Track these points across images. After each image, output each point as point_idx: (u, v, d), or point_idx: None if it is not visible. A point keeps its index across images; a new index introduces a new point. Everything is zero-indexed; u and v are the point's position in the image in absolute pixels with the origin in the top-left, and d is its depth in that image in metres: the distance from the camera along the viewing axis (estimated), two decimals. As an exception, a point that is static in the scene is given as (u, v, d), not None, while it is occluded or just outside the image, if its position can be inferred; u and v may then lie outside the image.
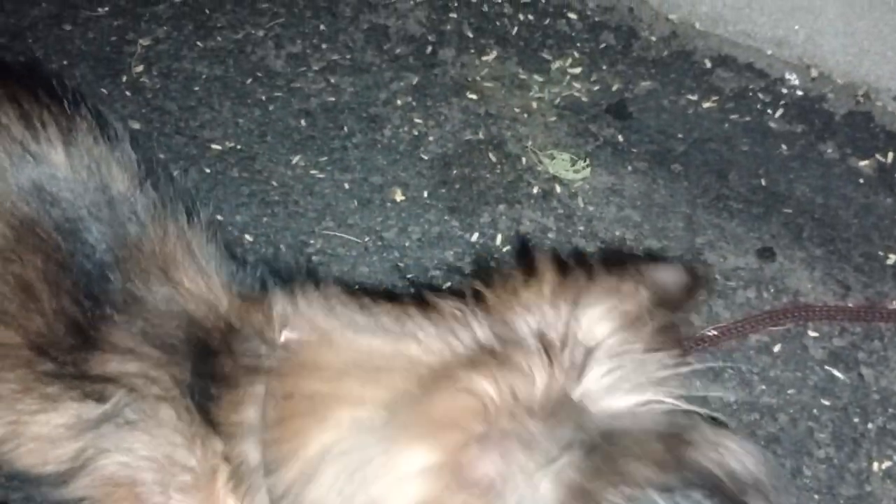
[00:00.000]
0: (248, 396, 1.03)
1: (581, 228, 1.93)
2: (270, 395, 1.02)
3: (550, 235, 1.91)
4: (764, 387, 1.71)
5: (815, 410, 1.68)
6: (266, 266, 1.26)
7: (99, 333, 1.09)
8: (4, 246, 1.10)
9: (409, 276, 1.83)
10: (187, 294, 1.11)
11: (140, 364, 1.08)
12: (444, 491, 0.84)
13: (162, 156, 1.98)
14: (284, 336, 1.06)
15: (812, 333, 1.79)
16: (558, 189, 2.00)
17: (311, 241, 1.88)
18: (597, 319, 0.95)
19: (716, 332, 1.77)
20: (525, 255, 1.20)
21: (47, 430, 1.11)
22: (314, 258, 1.84)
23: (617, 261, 1.04)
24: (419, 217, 1.94)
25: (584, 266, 1.00)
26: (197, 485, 1.07)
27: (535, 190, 2.00)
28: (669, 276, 1.03)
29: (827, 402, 1.69)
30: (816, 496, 1.57)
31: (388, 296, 1.07)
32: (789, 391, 1.71)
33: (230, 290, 1.15)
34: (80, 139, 1.17)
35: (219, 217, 1.85)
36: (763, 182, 2.05)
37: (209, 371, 1.06)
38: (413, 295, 1.10)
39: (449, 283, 1.82)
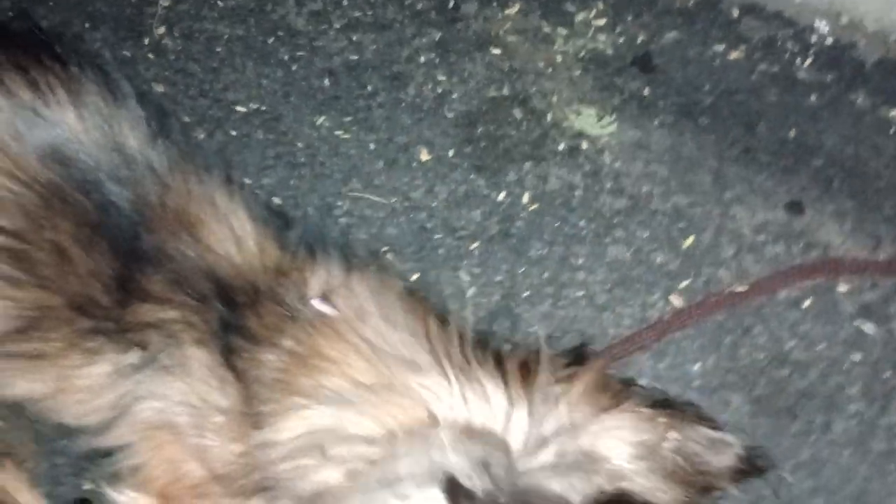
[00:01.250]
0: (266, 352, 1.06)
1: (608, 185, 1.92)
2: (289, 353, 1.04)
3: (577, 193, 1.91)
4: (793, 342, 1.71)
5: (845, 365, 1.68)
6: (302, 228, 1.27)
7: (134, 287, 1.11)
8: (35, 213, 1.11)
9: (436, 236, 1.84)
10: (214, 252, 1.13)
11: (175, 311, 1.11)
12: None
13: (187, 119, 1.98)
14: (321, 302, 1.07)
15: (842, 288, 1.78)
16: (585, 145, 1.99)
17: (339, 203, 1.88)
18: (610, 437, 0.97)
19: (745, 288, 1.77)
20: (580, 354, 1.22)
21: (90, 382, 1.15)
22: (341, 220, 1.85)
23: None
24: (445, 177, 1.93)
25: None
26: (230, 425, 1.09)
27: (561, 146, 1.98)
28: (721, 454, 1.03)
29: (857, 357, 1.69)
30: (846, 452, 1.58)
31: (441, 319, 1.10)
32: (819, 346, 1.71)
33: (262, 247, 1.16)
34: (88, 100, 1.17)
35: (246, 180, 1.85)
36: (792, 134, 2.02)
37: (237, 323, 1.08)
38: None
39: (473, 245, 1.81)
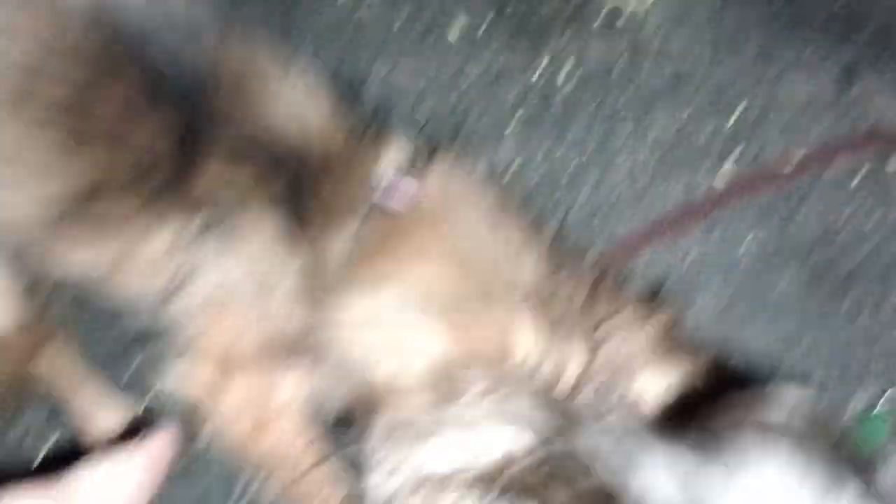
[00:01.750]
0: (339, 227, 1.03)
1: (647, 63, 1.84)
2: (368, 228, 1.01)
3: (616, 70, 1.82)
4: (841, 223, 1.67)
5: (894, 246, 1.64)
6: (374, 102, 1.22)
7: (199, 149, 1.07)
8: (101, 66, 1.07)
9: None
10: (279, 117, 1.09)
11: (241, 175, 1.07)
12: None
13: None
14: (404, 182, 1.03)
15: (892, 167, 1.72)
16: (624, 20, 1.89)
17: (366, 85, 1.81)
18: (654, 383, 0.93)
19: (790, 169, 1.71)
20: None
21: (152, 249, 1.12)
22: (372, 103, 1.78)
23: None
24: (476, 56, 1.85)
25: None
26: (292, 296, 1.07)
27: (598, 21, 1.89)
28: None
29: (908, 236, 1.65)
30: (896, 332, 1.56)
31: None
32: (867, 227, 1.66)
33: (330, 116, 1.12)
34: None
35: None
36: (840, 4, 1.92)
37: (308, 191, 1.05)
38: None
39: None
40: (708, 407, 0.83)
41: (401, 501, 0.80)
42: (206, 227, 1.08)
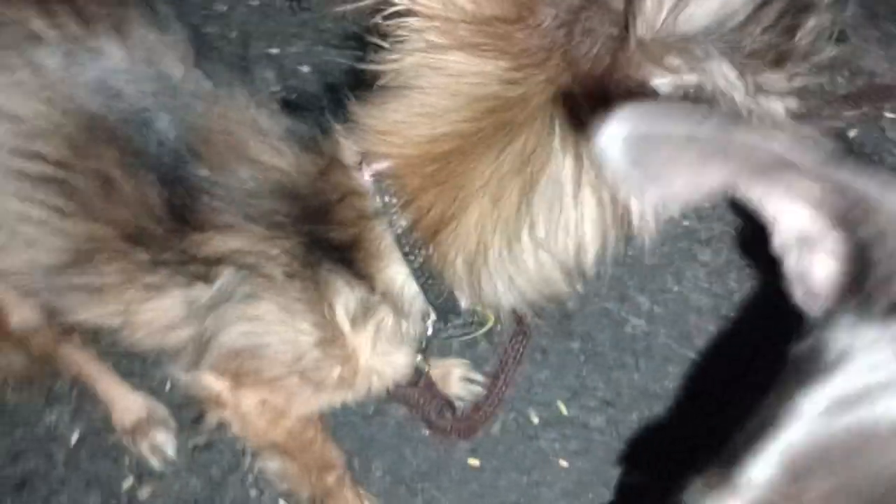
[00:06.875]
0: (378, 239, 1.03)
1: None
2: (402, 216, 1.01)
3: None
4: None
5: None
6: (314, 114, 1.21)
7: (192, 216, 1.07)
8: (79, 143, 1.09)
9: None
10: (271, 168, 1.09)
11: (246, 240, 1.07)
12: None
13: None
14: (372, 170, 1.03)
15: (889, 115, 1.74)
16: None
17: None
18: None
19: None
20: None
21: (159, 316, 1.13)
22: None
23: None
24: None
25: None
26: (326, 339, 1.09)
27: None
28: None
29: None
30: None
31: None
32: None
33: (308, 154, 1.12)
34: (133, 30, 1.12)
35: (273, 51, 1.80)
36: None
37: (329, 234, 1.05)
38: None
39: None
40: None
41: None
42: (219, 297, 1.10)
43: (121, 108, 1.08)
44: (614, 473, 1.49)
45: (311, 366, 1.11)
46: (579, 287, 1.02)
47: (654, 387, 1.54)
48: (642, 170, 0.57)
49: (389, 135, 0.99)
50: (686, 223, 1.69)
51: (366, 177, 1.01)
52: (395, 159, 0.99)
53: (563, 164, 0.91)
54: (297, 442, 1.28)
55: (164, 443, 1.56)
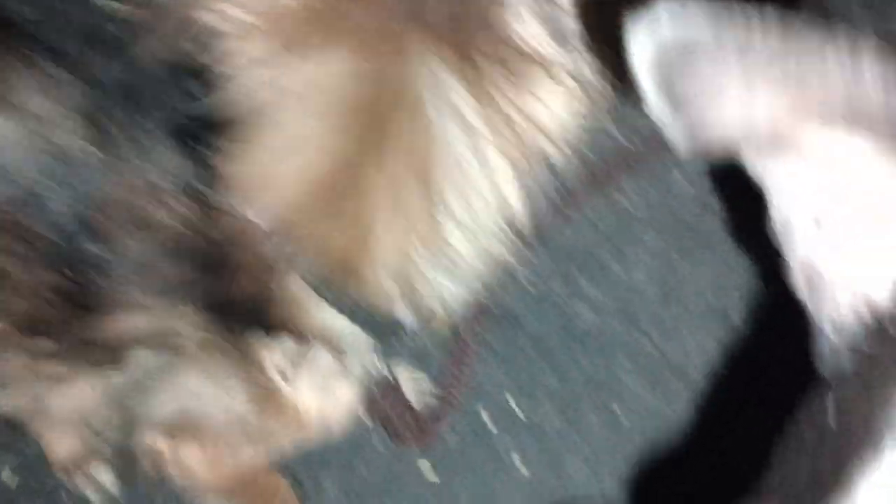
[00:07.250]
0: (286, 287, 0.95)
1: None
2: (304, 259, 0.94)
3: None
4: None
5: None
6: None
7: (89, 298, 0.99)
8: None
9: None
10: (165, 228, 1.00)
11: (147, 318, 0.99)
12: None
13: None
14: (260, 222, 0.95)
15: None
16: None
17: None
18: None
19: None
20: None
21: (72, 403, 1.07)
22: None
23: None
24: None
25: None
26: (260, 395, 1.03)
27: None
28: None
29: None
30: None
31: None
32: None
33: (198, 203, 1.03)
34: (24, 99, 1.01)
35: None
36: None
37: (233, 292, 0.97)
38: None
39: None
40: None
41: None
42: (135, 377, 1.02)
43: (7, 191, 0.99)
44: (576, 477, 1.47)
45: (251, 420, 1.05)
46: (523, 246, 0.95)
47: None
48: (678, 85, 0.48)
49: (261, 186, 0.90)
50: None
51: (259, 226, 0.93)
52: (278, 206, 0.91)
53: (453, 137, 0.84)
54: (240, 482, 1.24)
55: (103, 477, 1.50)
